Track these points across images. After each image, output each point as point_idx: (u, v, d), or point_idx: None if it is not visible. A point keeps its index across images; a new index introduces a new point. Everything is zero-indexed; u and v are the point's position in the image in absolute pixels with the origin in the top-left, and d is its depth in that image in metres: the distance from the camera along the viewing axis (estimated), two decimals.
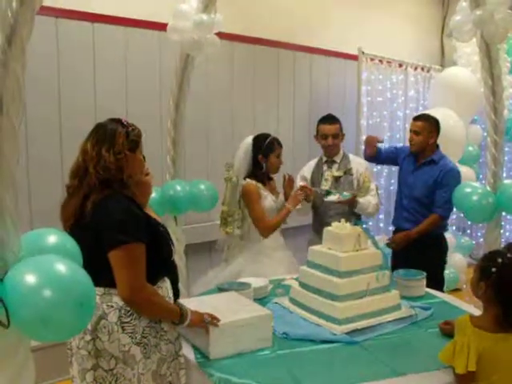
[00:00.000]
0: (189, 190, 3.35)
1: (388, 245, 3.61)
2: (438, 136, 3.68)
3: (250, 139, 3.31)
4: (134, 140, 1.90)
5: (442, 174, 3.55)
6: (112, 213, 1.79)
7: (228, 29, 3.45)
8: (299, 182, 3.57)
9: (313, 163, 3.68)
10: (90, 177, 1.82)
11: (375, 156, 3.95)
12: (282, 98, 4.78)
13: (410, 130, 3.71)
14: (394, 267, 3.22)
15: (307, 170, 3.66)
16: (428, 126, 3.63)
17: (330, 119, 3.56)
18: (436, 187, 3.54)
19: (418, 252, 3.47)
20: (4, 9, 1.29)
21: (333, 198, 3.34)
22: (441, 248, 3.69)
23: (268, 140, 3.27)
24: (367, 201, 3.44)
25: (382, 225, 5.36)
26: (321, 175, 3.56)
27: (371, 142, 3.95)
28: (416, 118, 3.74)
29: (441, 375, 1.88)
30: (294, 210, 3.27)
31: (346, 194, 3.34)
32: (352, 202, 3.40)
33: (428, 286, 2.90)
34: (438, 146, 3.70)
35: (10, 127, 1.34)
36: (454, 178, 3.55)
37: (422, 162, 3.67)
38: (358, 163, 3.60)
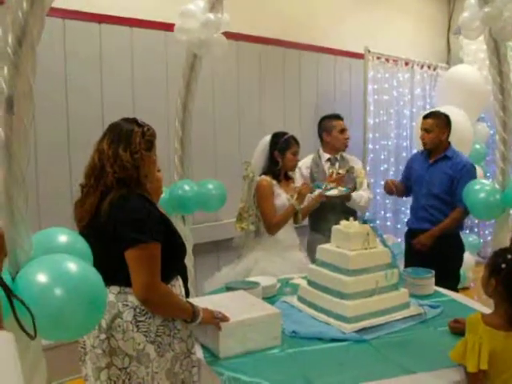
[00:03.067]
0: (197, 189, 3.35)
1: (414, 246, 3.55)
2: (450, 132, 3.67)
3: (268, 137, 3.36)
4: (149, 140, 1.90)
5: (459, 169, 3.54)
6: (130, 212, 1.79)
7: (234, 28, 3.45)
8: (297, 180, 3.63)
9: (308, 160, 3.73)
10: (107, 176, 1.82)
11: (405, 195, 3.97)
12: (288, 97, 4.78)
13: (421, 129, 3.70)
14: (410, 266, 3.19)
15: (304, 167, 3.70)
16: (438, 122, 3.63)
17: (340, 116, 3.74)
18: (454, 183, 3.51)
19: (434, 250, 3.47)
20: (15, 10, 1.30)
21: (334, 192, 3.38)
22: (458, 246, 3.67)
23: (285, 137, 3.33)
24: (359, 195, 3.57)
25: (389, 223, 5.34)
26: (322, 172, 3.62)
27: (390, 190, 3.86)
28: (426, 116, 3.73)
29: (451, 374, 1.87)
30: (298, 207, 3.28)
31: (342, 189, 3.41)
32: (347, 197, 3.50)
33: (443, 283, 2.90)
34: (449, 143, 3.69)
35: (21, 127, 1.35)
36: (470, 171, 3.55)
37: (435, 158, 3.65)
38: (355, 161, 3.76)
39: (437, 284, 2.87)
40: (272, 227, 3.24)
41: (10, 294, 1.10)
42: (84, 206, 1.88)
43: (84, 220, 1.88)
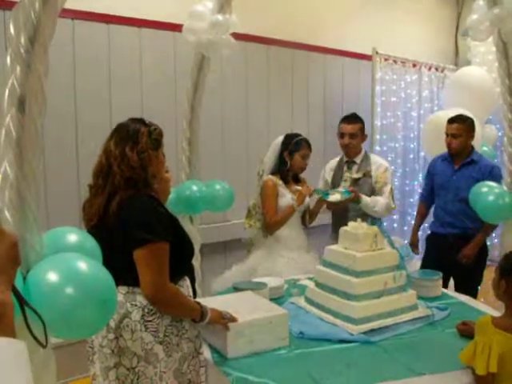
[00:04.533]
0: (205, 190, 3.35)
1: (460, 260, 3.47)
2: (474, 135, 3.61)
3: (282, 137, 3.38)
4: (156, 139, 1.91)
5: (488, 172, 3.47)
6: (138, 212, 1.80)
7: (242, 29, 3.45)
8: (320, 182, 3.60)
9: (334, 163, 3.63)
10: (115, 176, 1.83)
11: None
12: (296, 99, 4.78)
13: (447, 134, 3.59)
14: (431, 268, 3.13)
15: (328, 170, 3.62)
16: (466, 127, 3.55)
17: (350, 118, 3.52)
18: None
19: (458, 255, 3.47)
20: (27, 9, 1.31)
21: (337, 197, 3.27)
22: (482, 249, 3.60)
23: (297, 138, 3.33)
24: (374, 200, 3.35)
25: (395, 225, 5.33)
26: (341, 177, 3.54)
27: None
28: (452, 121, 3.61)
29: (459, 376, 1.87)
30: (297, 208, 3.27)
31: (342, 191, 3.31)
32: (356, 200, 3.31)
33: (465, 286, 2.88)
34: (473, 146, 3.64)
35: (33, 126, 1.36)
36: (498, 174, 3.48)
37: (462, 163, 3.59)
38: (379, 164, 3.49)
39: (457, 287, 2.83)
40: (270, 226, 3.27)
41: (23, 302, 1.09)
42: (92, 206, 1.88)
43: (92, 220, 1.88)
